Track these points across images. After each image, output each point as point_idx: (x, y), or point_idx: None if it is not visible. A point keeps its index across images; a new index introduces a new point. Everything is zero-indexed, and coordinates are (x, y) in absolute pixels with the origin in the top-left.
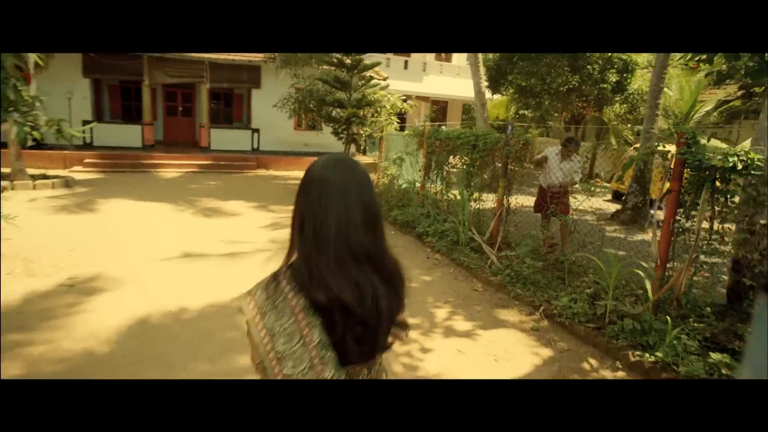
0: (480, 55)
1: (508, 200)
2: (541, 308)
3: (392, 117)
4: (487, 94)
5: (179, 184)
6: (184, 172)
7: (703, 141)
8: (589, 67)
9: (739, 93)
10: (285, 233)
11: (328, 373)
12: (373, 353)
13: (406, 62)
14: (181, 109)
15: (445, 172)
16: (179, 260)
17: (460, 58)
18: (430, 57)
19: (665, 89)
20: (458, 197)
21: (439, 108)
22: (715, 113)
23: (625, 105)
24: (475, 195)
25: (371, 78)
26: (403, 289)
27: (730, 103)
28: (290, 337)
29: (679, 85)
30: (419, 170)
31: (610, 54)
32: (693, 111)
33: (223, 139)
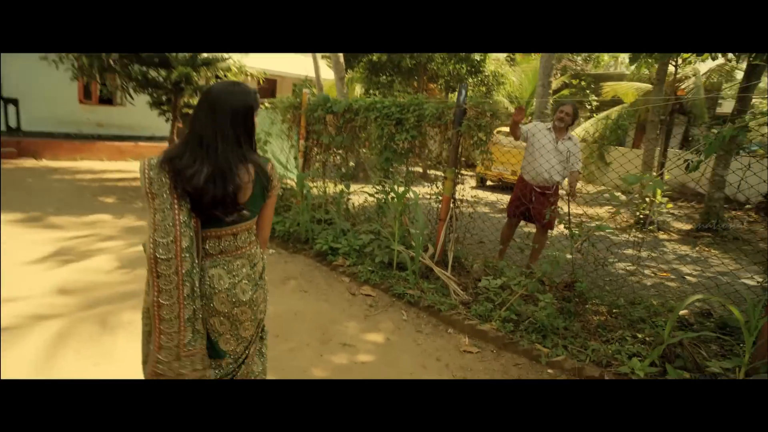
0: None
1: (455, 201)
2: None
3: None
4: (327, 72)
5: None
6: None
7: None
8: None
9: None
10: (87, 272)
11: (185, 243)
12: (228, 213)
13: None
14: None
15: (342, 161)
16: None
17: None
18: None
19: (508, 75)
20: (385, 194)
21: (268, 86)
22: (550, 100)
23: (482, 87)
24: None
25: None
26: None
27: (560, 92)
28: (164, 214)
29: (520, 73)
30: (294, 157)
31: None
32: (532, 97)
33: None
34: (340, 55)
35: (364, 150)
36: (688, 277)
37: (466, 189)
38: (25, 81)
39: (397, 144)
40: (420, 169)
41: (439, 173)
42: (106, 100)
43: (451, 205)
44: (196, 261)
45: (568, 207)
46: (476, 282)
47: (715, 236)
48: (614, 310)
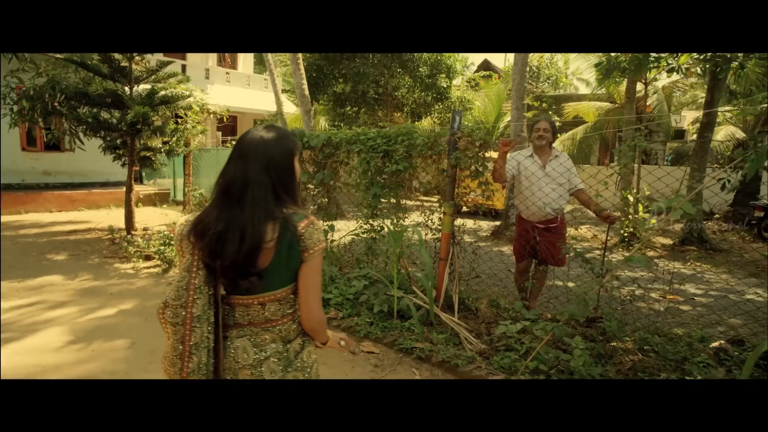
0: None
1: (454, 238)
2: None
3: (199, 126)
4: (290, 106)
5: None
6: None
7: None
8: (421, 69)
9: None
10: (32, 353)
11: (196, 311)
12: (241, 288)
13: (183, 67)
14: None
15: (321, 199)
16: None
17: (246, 66)
18: (212, 62)
19: (474, 101)
20: (375, 233)
21: (228, 123)
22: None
23: (448, 114)
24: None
25: (164, 63)
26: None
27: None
28: (181, 276)
29: (483, 97)
30: None
31: (438, 57)
32: (498, 121)
33: None
34: (305, 87)
35: (339, 185)
36: (696, 298)
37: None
38: None
39: (384, 178)
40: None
41: (410, 202)
42: (53, 146)
43: (451, 241)
44: (211, 335)
45: (606, 235)
46: (488, 326)
47: (701, 249)
48: (645, 347)
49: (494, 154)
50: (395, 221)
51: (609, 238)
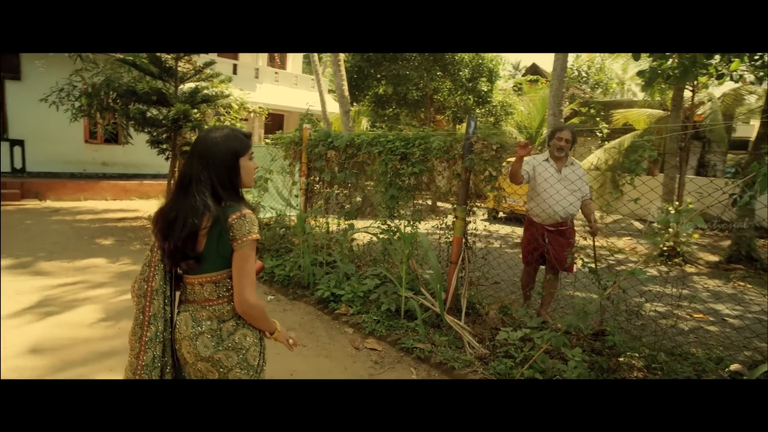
0: (341, 54)
1: (467, 242)
2: None
3: (239, 123)
4: (334, 106)
5: None
6: None
7: None
8: (461, 73)
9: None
10: (67, 326)
11: (155, 284)
12: (187, 266)
13: (234, 66)
14: None
15: (345, 198)
16: None
17: (295, 66)
18: (262, 63)
19: (517, 105)
20: (390, 234)
21: (275, 120)
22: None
23: (490, 118)
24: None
25: (209, 63)
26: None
27: (570, 120)
28: (146, 254)
29: (528, 102)
30: (296, 195)
31: (480, 60)
32: (542, 126)
33: None
34: (345, 89)
35: (369, 184)
36: (729, 319)
37: (477, 222)
38: (32, 122)
39: (403, 180)
40: (429, 202)
41: (448, 205)
42: (112, 139)
43: (463, 246)
44: (167, 307)
45: (593, 244)
46: (493, 332)
47: (749, 268)
48: (653, 365)
49: (512, 159)
50: (410, 222)
51: (640, 251)
